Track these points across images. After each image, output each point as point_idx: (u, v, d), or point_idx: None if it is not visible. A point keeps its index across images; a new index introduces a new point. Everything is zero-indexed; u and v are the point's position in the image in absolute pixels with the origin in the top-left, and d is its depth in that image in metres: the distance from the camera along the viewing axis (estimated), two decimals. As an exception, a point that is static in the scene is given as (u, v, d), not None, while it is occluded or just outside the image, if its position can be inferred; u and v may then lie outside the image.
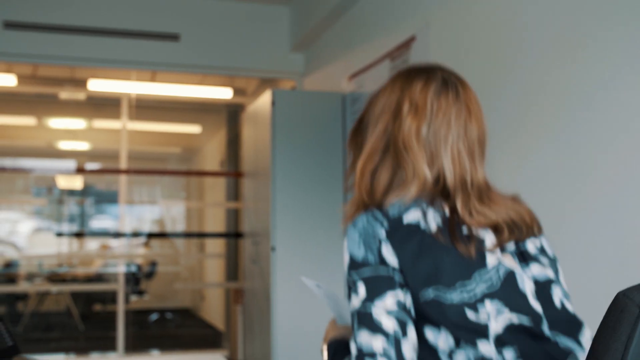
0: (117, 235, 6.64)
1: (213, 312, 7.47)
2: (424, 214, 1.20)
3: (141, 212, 7.17)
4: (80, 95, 6.21)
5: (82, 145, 7.37)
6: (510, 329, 1.16)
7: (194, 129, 7.85)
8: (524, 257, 1.24)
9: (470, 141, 1.27)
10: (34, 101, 6.35)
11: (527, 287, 1.20)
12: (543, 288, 1.22)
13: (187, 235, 7.79)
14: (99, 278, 6.99)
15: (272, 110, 3.74)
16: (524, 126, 2.25)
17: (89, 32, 4.37)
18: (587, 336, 1.22)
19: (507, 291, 1.17)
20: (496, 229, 1.23)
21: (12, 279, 6.83)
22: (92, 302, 7.32)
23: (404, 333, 1.12)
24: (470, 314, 1.14)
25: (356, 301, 1.16)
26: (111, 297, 6.61)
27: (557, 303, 1.22)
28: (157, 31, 4.48)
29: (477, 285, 1.15)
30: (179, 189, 7.95)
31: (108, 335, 6.07)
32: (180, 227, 8.00)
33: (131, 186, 6.41)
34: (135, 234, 6.67)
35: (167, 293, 7.97)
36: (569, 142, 2.05)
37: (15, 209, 7.04)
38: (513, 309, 1.16)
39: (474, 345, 1.14)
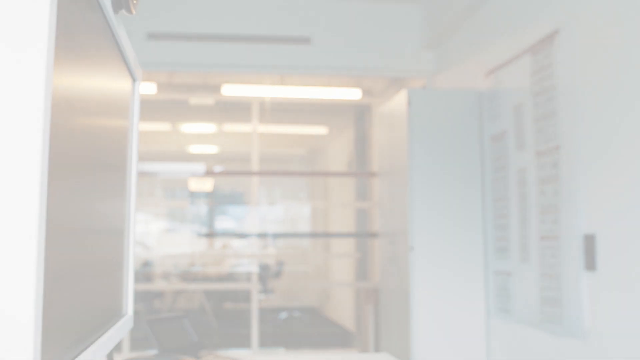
0: (246, 236, 6.83)
1: (340, 311, 7.54)
2: None
3: (269, 212, 7.33)
4: (210, 100, 6.42)
5: (212, 149, 7.62)
6: None
7: (320, 130, 7.93)
8: None
9: None
10: (168, 107, 6.62)
11: None
12: None
13: (316, 235, 7.90)
14: (229, 277, 7.22)
15: (408, 110, 3.73)
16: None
17: (223, 39, 4.52)
18: None
19: None
20: None
21: (148, 278, 7.17)
22: (223, 300, 7.56)
23: None
24: None
25: None
26: (242, 295, 6.80)
27: None
28: (289, 35, 4.57)
29: None
30: (303, 189, 8.07)
31: (240, 332, 6.25)
32: (305, 227, 8.12)
33: (260, 188, 6.57)
34: (263, 235, 6.83)
35: (294, 292, 8.12)
36: None
37: (146, 211, 7.37)
38: None
39: None
